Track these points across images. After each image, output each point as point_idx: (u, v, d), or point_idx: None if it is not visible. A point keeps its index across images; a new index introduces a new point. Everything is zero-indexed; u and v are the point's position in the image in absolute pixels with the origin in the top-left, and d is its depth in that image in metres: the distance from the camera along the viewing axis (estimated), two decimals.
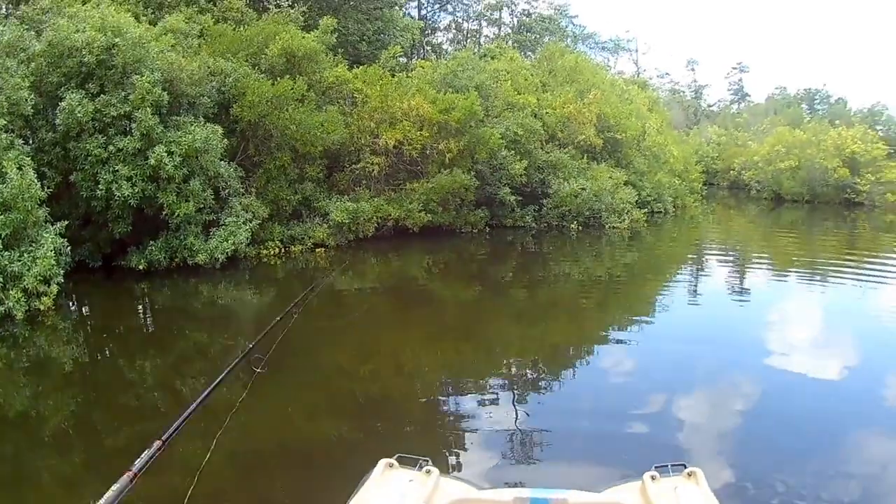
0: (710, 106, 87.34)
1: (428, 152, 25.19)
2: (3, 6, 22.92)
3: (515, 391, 9.94)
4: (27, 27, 19.49)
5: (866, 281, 19.04)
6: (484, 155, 25.76)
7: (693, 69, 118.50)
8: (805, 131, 50.22)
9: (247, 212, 20.00)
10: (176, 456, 7.18)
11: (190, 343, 14.10)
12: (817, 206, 45.34)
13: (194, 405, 5.01)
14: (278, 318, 10.01)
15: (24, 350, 13.09)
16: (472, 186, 25.08)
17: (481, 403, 9.36)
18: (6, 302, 13.80)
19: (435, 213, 24.54)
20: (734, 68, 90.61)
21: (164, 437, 3.39)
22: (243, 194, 20.61)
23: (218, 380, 6.19)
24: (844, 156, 45.06)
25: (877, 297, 17.22)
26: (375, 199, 23.96)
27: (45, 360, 12.77)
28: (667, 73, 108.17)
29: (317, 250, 22.11)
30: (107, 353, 13.43)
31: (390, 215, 23.79)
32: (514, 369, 11.06)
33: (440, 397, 10.05)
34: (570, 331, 13.70)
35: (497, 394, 9.71)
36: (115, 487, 2.76)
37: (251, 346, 8.31)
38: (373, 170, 24.28)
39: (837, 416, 9.20)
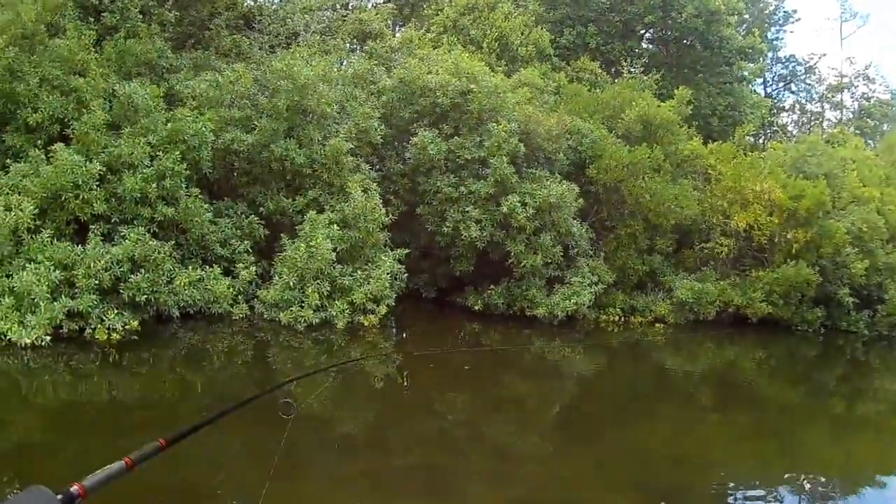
0: None
1: (776, 240, 22.58)
2: (349, 41, 24.67)
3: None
4: (375, 62, 20.89)
5: None
6: (829, 250, 22.43)
7: None
8: None
9: (593, 274, 19.03)
10: None
11: (505, 390, 13.20)
12: None
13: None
14: None
15: (336, 357, 13.24)
16: (815, 282, 21.83)
17: None
18: (329, 310, 14.05)
19: (776, 305, 21.68)
20: None
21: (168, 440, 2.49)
22: (591, 256, 19.69)
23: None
24: None
25: None
26: (721, 282, 21.77)
27: (356, 371, 12.67)
28: None
29: (656, 325, 20.39)
30: (419, 377, 12.88)
31: (732, 301, 21.44)
32: (806, 481, 10.01)
33: (728, 497, 9.58)
34: (876, 450, 12.39)
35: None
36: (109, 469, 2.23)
37: None
38: (721, 251, 22.25)
39: None
